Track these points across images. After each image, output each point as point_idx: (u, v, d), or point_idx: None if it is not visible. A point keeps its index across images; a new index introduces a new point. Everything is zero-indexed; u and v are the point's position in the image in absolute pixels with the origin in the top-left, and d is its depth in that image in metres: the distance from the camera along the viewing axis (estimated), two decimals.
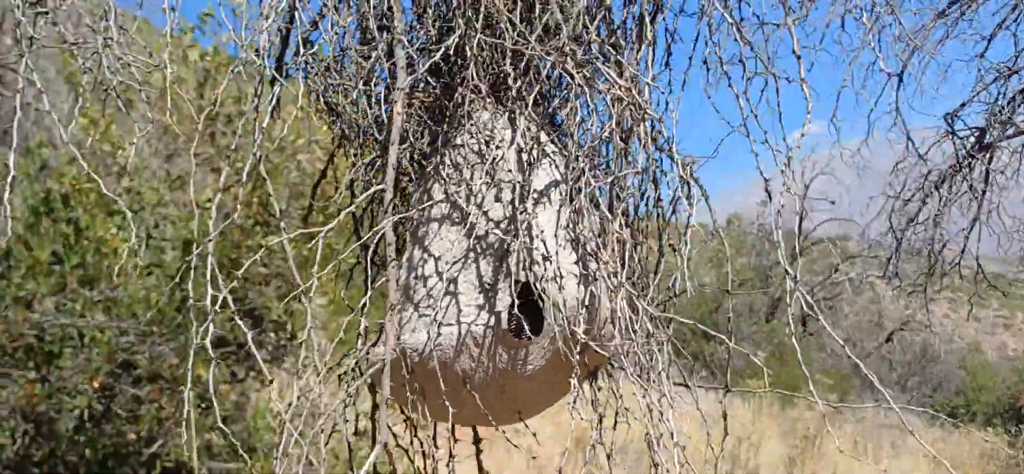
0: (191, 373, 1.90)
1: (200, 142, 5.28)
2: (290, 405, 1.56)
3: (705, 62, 1.60)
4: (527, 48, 1.48)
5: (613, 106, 1.49)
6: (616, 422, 1.55)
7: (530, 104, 1.51)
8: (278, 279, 5.24)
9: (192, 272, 1.90)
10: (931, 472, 15.89)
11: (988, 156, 8.23)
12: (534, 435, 1.86)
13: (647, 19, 1.53)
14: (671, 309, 1.63)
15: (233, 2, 2.01)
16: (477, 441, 1.84)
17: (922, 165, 8.83)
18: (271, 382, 5.28)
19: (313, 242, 1.58)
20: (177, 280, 4.21)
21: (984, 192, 8.25)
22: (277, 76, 1.65)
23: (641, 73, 1.53)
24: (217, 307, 1.76)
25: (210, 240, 1.63)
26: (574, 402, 1.40)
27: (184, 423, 4.28)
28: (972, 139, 8.15)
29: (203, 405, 4.73)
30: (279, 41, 1.80)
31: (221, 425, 1.83)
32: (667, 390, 1.44)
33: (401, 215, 1.55)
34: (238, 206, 4.31)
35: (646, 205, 1.68)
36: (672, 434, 1.42)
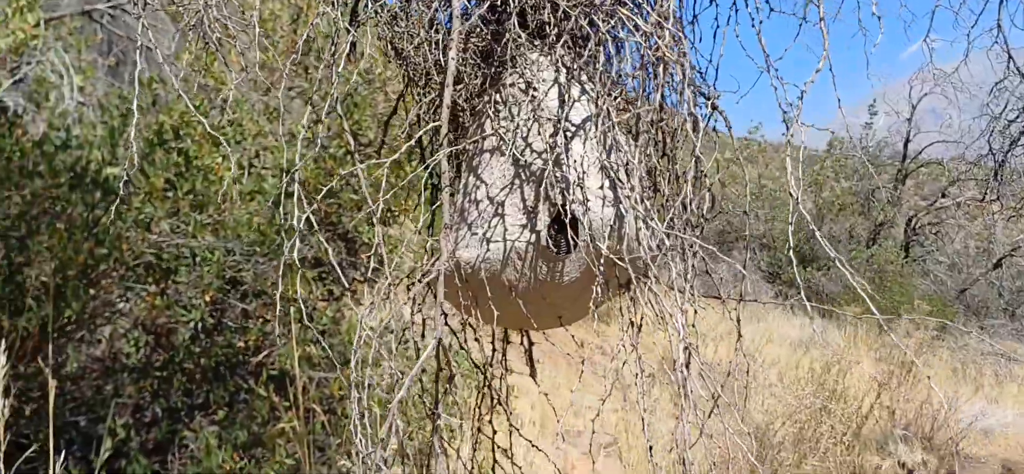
0: (283, 288, 2.18)
1: (294, 76, 5.63)
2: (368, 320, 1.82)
3: None
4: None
5: (639, 47, 1.67)
6: (640, 327, 1.77)
7: (560, 48, 1.71)
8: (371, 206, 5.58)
9: (286, 198, 2.16)
10: None
11: None
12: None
13: None
14: (703, 226, 1.82)
15: None
16: (529, 341, 2.10)
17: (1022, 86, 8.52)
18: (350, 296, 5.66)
19: (389, 172, 1.82)
20: (275, 204, 4.59)
21: None
22: (349, 28, 1.89)
23: (663, 20, 1.70)
24: (312, 229, 2.03)
25: (296, 168, 1.88)
26: (598, 306, 1.62)
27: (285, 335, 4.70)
28: None
29: (304, 320, 5.16)
30: None
31: (319, 338, 2.13)
32: (684, 299, 1.65)
33: (454, 147, 1.78)
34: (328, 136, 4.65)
35: (674, 136, 1.85)
36: (684, 340, 1.62)
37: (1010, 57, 8.31)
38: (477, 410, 2.05)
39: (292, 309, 4.83)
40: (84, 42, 6.03)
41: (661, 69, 1.66)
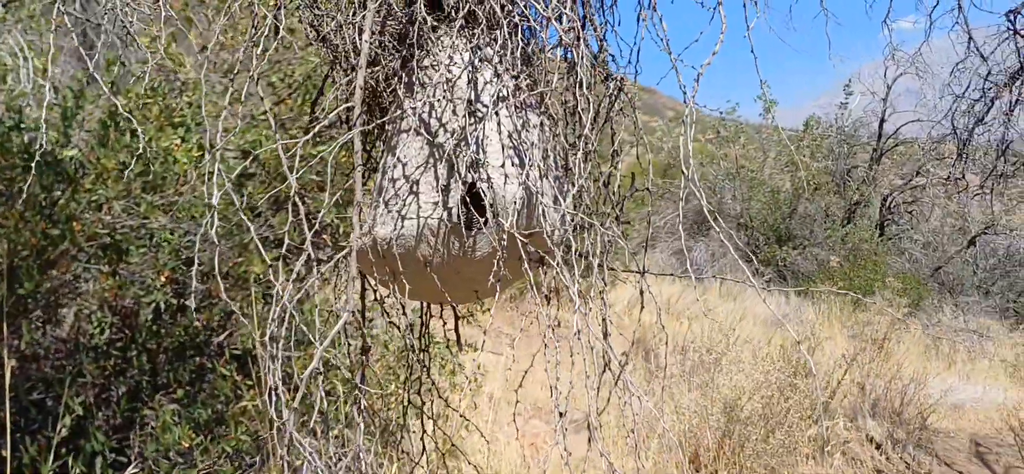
0: (246, 268, 2.21)
1: (253, 58, 5.64)
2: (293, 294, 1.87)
3: None
4: None
5: (543, 27, 1.73)
6: (552, 302, 1.84)
7: (471, 31, 1.77)
8: (335, 188, 5.62)
9: (246, 179, 2.22)
10: (1008, 376, 15.66)
11: None
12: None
13: None
14: (622, 203, 1.89)
15: None
16: (456, 315, 2.17)
17: (983, 66, 8.64)
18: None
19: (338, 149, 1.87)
20: (234, 186, 4.62)
21: None
22: (270, 15, 1.94)
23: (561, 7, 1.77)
24: (272, 211, 2.09)
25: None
26: (498, 281, 1.69)
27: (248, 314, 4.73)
28: None
29: (266, 297, 5.20)
30: None
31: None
32: (595, 274, 1.72)
33: (364, 127, 1.84)
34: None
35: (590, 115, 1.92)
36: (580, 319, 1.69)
37: (970, 37, 8.42)
38: (406, 382, 2.12)
39: (252, 289, 4.87)
40: (46, 25, 6.01)
41: (562, 51, 1.72)
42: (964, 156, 9.88)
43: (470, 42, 1.82)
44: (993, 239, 25.59)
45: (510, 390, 8.78)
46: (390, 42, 1.91)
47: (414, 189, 1.79)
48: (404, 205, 1.79)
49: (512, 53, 1.77)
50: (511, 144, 1.79)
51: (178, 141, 4.56)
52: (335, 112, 1.88)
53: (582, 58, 1.70)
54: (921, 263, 24.52)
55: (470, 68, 1.82)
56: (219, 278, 2.30)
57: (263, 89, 5.73)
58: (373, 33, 1.80)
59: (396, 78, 1.93)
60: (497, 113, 1.81)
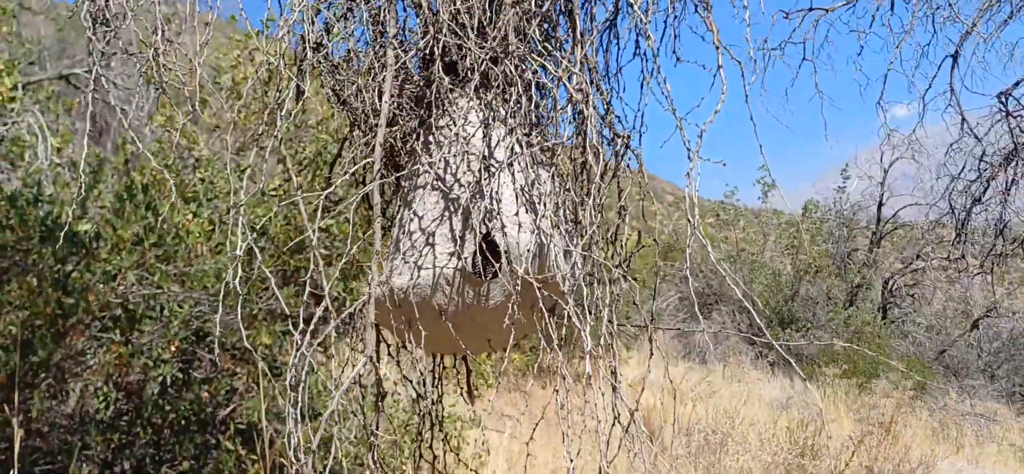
0: (251, 340, 2.27)
1: (265, 135, 5.78)
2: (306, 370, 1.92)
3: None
4: (480, 48, 1.85)
5: (554, 86, 1.83)
6: (572, 352, 1.89)
7: (484, 92, 1.87)
8: (339, 260, 5.71)
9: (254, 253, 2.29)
10: (1019, 460, 15.43)
11: None
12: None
13: (578, 21, 1.87)
14: (629, 259, 1.96)
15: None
16: (467, 369, 2.22)
17: (978, 146, 8.78)
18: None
19: (356, 224, 1.95)
20: (244, 255, 4.70)
21: None
22: (294, 77, 2.04)
23: (571, 66, 1.87)
24: (280, 283, 2.17)
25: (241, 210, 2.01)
26: (512, 322, 1.75)
27: (255, 387, 4.77)
28: None
29: (273, 371, 5.23)
30: (301, 46, 2.19)
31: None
32: (605, 324, 1.78)
33: (385, 180, 1.93)
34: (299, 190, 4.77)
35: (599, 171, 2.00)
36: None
37: (963, 119, 8.60)
38: (418, 435, 2.16)
39: (259, 363, 4.91)
40: (62, 107, 6.19)
41: (572, 110, 1.82)
42: (963, 236, 9.95)
43: (483, 101, 1.92)
44: (996, 322, 25.48)
45: (514, 469, 8.69)
46: (407, 103, 2.02)
47: (430, 241, 1.87)
48: (421, 256, 1.86)
49: (524, 111, 1.86)
50: (524, 196, 1.87)
51: (190, 215, 4.67)
52: (354, 169, 1.96)
53: (590, 116, 1.80)
54: (925, 346, 24.39)
55: (484, 126, 1.92)
56: (226, 350, 2.35)
57: (274, 164, 5.87)
58: (392, 95, 1.90)
59: (413, 137, 2.02)
60: (510, 167, 1.89)
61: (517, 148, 1.92)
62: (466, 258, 1.83)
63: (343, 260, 1.96)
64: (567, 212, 1.87)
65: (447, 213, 1.88)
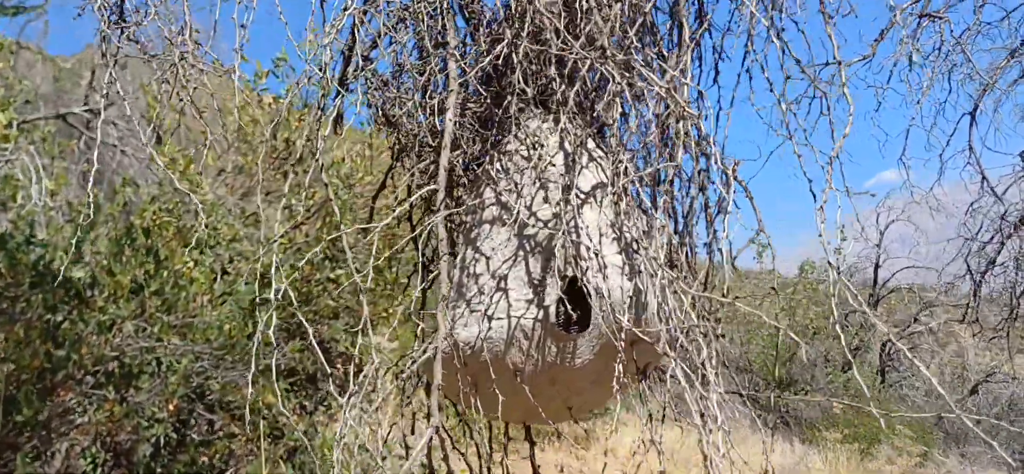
0: (252, 400, 1.97)
1: (273, 180, 5.49)
2: (342, 436, 1.61)
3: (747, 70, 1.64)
4: (570, 53, 1.55)
5: (655, 106, 1.54)
6: (664, 417, 1.57)
7: (572, 106, 1.58)
8: (346, 313, 5.38)
9: (261, 305, 1.98)
10: None
11: None
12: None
13: (686, 26, 1.58)
14: (721, 311, 1.65)
15: (303, 48, 2.12)
16: (531, 441, 1.88)
17: (998, 206, 8.57)
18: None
19: (377, 270, 1.65)
20: (248, 310, 4.37)
21: None
22: (340, 88, 1.75)
23: (680, 78, 1.58)
24: (285, 337, 1.85)
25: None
26: (618, 391, 1.43)
27: (255, 449, 4.41)
28: None
29: (273, 434, 4.86)
30: (341, 60, 1.90)
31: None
32: (713, 389, 1.46)
33: (452, 211, 1.62)
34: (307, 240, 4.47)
35: (691, 207, 1.71)
36: (720, 440, 1.44)
37: (983, 177, 8.39)
38: None
39: (261, 422, 4.55)
40: (57, 149, 5.89)
41: (676, 127, 1.53)
42: (978, 298, 9.70)
43: (566, 121, 1.63)
44: (995, 387, 25.29)
45: None
46: (470, 124, 1.72)
47: (502, 286, 1.56)
48: (491, 304, 1.55)
49: (618, 129, 1.57)
50: (614, 233, 1.57)
51: (192, 263, 4.35)
52: (406, 202, 1.66)
53: (690, 139, 1.51)
54: (924, 410, 24.04)
55: (564, 151, 1.62)
56: (226, 409, 2.02)
57: (280, 212, 5.57)
58: (455, 113, 1.61)
59: (477, 164, 1.73)
60: (596, 199, 1.59)
61: (605, 174, 1.62)
62: (549, 306, 1.51)
63: (402, 307, 1.64)
64: (662, 251, 1.56)
65: (521, 253, 1.57)
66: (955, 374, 25.81)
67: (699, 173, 1.64)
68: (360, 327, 1.54)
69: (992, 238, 9.01)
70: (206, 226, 4.73)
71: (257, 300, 4.74)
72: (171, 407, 3.83)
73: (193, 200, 4.92)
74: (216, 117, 5.41)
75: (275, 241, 2.05)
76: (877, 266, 26.60)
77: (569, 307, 1.51)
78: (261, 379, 4.49)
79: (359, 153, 5.28)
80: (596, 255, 1.50)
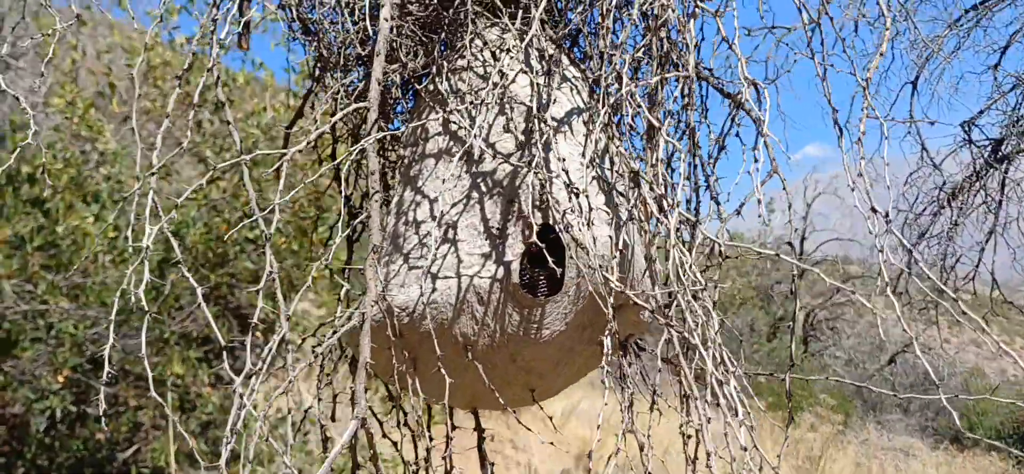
0: (159, 370, 1.62)
1: (185, 129, 5.00)
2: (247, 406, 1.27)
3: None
4: None
5: (649, 16, 1.20)
6: (653, 406, 1.25)
7: (542, 10, 1.22)
8: (269, 275, 4.95)
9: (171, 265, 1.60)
10: None
11: (1005, 167, 8.01)
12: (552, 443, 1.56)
13: None
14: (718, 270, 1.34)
15: None
16: (480, 429, 1.54)
17: (937, 177, 8.58)
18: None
19: (290, 240, 1.28)
20: (157, 270, 3.92)
21: (1000, 203, 8.01)
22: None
23: None
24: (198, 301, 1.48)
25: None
26: (606, 372, 1.10)
27: (163, 426, 3.99)
28: (988, 150, 7.95)
29: (184, 407, 4.45)
30: None
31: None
32: (731, 367, 1.15)
33: (385, 133, 1.26)
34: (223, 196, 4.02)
35: (693, 140, 1.37)
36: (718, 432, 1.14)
37: (923, 147, 8.36)
38: None
39: (169, 395, 4.13)
40: None
41: (668, 42, 1.20)
42: (909, 269, 9.75)
43: (534, 31, 1.27)
44: (911, 357, 26.20)
45: None
46: (411, 30, 1.35)
47: (450, 236, 1.21)
48: (436, 260, 1.20)
49: (599, 45, 1.23)
50: (594, 172, 1.23)
51: (91, 218, 3.87)
52: (323, 128, 1.29)
53: (694, 57, 1.18)
54: (844, 380, 24.72)
55: (533, 69, 1.27)
56: (129, 379, 1.64)
57: (194, 165, 5.09)
58: (392, 15, 1.25)
59: (418, 82, 1.37)
60: (571, 129, 1.25)
61: (578, 99, 1.28)
62: (511, 262, 1.17)
63: (326, 260, 1.27)
64: (655, 195, 1.23)
65: (476, 194, 1.22)
66: (873, 343, 26.63)
67: (700, 103, 1.32)
68: (262, 287, 1.17)
69: (925, 209, 9.04)
70: (108, 178, 4.25)
71: (168, 261, 4.29)
72: (61, 378, 3.38)
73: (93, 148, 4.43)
74: (123, 57, 4.89)
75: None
76: (803, 239, 27.12)
77: (536, 264, 1.18)
78: (169, 346, 4.07)
79: (282, 102, 4.83)
80: (576, 195, 1.16)
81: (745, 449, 1.05)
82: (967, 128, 7.84)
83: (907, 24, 7.03)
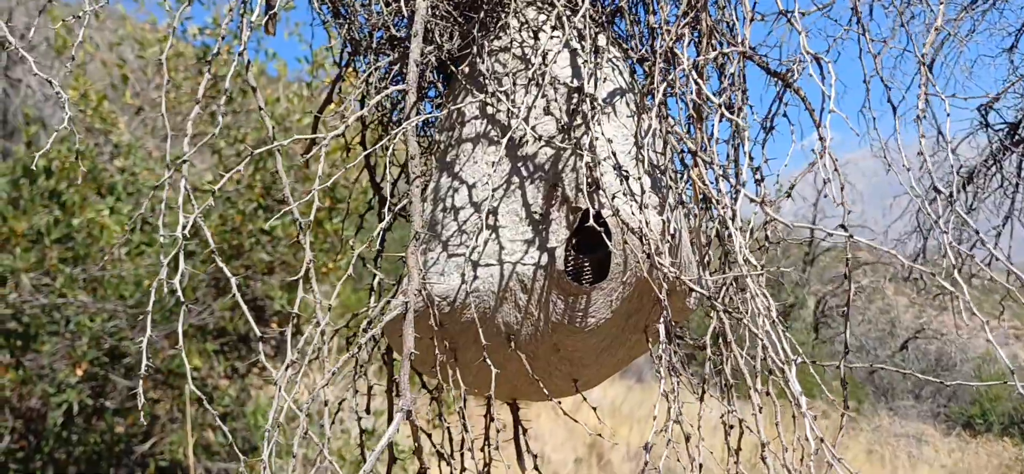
0: (176, 363, 1.58)
1: (198, 121, 4.98)
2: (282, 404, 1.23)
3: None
4: None
5: None
6: (703, 396, 1.22)
7: None
8: (283, 268, 4.93)
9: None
10: None
11: (1022, 150, 7.92)
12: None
13: None
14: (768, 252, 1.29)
15: None
16: (517, 422, 1.50)
17: (952, 161, 8.50)
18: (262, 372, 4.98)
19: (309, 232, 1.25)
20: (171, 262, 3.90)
21: (1017, 187, 7.93)
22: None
23: None
24: (214, 295, 1.44)
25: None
26: (658, 359, 1.06)
27: (181, 419, 3.97)
28: (1004, 133, 7.86)
29: (201, 400, 4.44)
30: None
31: (219, 423, 1.51)
32: (786, 352, 1.11)
33: (425, 116, 1.22)
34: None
35: (737, 124, 1.33)
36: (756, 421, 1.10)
37: (939, 131, 8.29)
38: None
39: (186, 388, 4.11)
40: None
41: (710, 18, 1.15)
42: (924, 255, 9.69)
43: (571, 13, 1.23)
44: (923, 344, 26.14)
45: None
46: (447, 11, 1.31)
47: (491, 222, 1.17)
48: (477, 247, 1.16)
49: (650, 23, 1.18)
50: (640, 155, 1.19)
51: (107, 211, 3.84)
52: (357, 115, 1.25)
53: (746, 36, 1.13)
54: (855, 367, 24.69)
55: (571, 49, 1.23)
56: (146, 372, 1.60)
57: (208, 157, 5.06)
58: None
59: (455, 65, 1.33)
60: (615, 110, 1.21)
61: (620, 79, 1.23)
62: (555, 248, 1.13)
63: (352, 259, 1.23)
64: (713, 175, 1.19)
65: (517, 179, 1.18)
66: (884, 331, 26.53)
67: (740, 85, 1.27)
68: (301, 277, 1.13)
69: (939, 195, 8.95)
70: (122, 170, 4.22)
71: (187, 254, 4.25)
72: (79, 371, 3.36)
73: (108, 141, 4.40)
74: (134, 49, 4.86)
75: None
76: (813, 225, 27.09)
77: (581, 250, 1.14)
78: (187, 339, 4.04)
79: (296, 92, 4.80)
80: (624, 180, 1.12)
81: (822, 440, 1.01)
82: (984, 112, 7.77)
83: (922, 7, 6.97)
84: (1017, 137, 7.76)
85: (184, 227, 1.22)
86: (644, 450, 0.97)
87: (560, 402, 1.33)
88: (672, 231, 1.13)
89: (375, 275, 1.38)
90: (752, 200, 1.18)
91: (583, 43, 1.24)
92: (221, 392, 4.60)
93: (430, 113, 1.33)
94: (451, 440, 1.43)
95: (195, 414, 4.43)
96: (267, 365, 1.23)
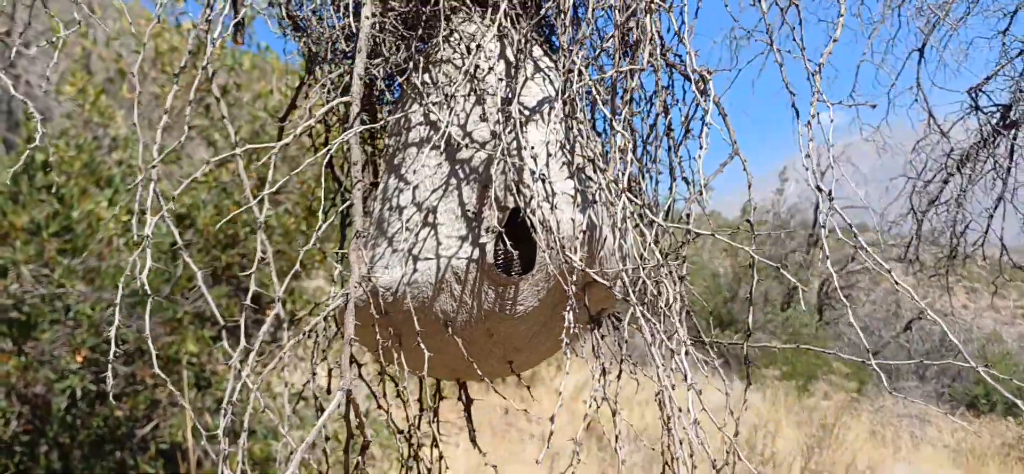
0: (175, 349, 1.72)
1: (193, 113, 5.10)
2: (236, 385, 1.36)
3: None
4: None
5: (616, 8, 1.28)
6: (620, 373, 1.34)
7: (505, 9, 1.30)
8: (279, 257, 5.06)
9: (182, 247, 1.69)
10: (951, 461, 15.69)
11: (1013, 133, 7.97)
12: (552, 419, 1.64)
13: None
14: (685, 250, 1.41)
15: None
16: (466, 398, 1.63)
17: (944, 144, 8.56)
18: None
19: (300, 220, 1.37)
20: (169, 253, 4.03)
21: (1009, 170, 7.99)
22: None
23: None
24: (210, 283, 1.57)
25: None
26: (567, 345, 1.19)
27: (179, 402, 4.11)
28: (996, 115, 7.91)
29: (199, 384, 4.57)
30: None
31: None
32: (682, 336, 1.23)
33: (368, 127, 1.35)
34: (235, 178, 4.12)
35: (654, 126, 1.45)
36: (685, 399, 1.22)
37: (930, 114, 8.34)
38: None
39: (185, 373, 4.25)
40: None
41: (643, 22, 1.27)
42: (919, 236, 9.73)
43: (508, 24, 1.35)
44: (927, 324, 26.08)
45: None
46: (393, 25, 1.43)
47: (430, 219, 1.29)
48: (417, 242, 1.29)
49: (570, 30, 1.30)
50: (564, 157, 1.31)
51: (105, 203, 3.98)
52: (311, 120, 1.37)
53: (652, 35, 1.25)
54: (859, 348, 24.70)
55: (506, 60, 1.35)
56: (145, 358, 1.74)
57: (203, 149, 5.19)
58: (374, 13, 1.33)
59: (400, 75, 1.45)
60: (543, 116, 1.33)
61: (549, 87, 1.35)
62: (485, 243, 1.26)
63: (310, 245, 1.36)
64: (622, 176, 1.31)
65: (454, 180, 1.31)
66: (889, 311, 26.52)
67: (662, 89, 1.39)
68: (264, 265, 1.26)
69: (934, 177, 9.02)
70: (120, 163, 4.35)
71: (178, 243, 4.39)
72: (79, 358, 3.50)
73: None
74: (129, 43, 4.98)
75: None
76: (817, 207, 27.04)
77: (509, 245, 1.27)
78: (183, 326, 4.18)
79: (289, 85, 4.91)
80: (543, 181, 1.25)
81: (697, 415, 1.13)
82: (974, 95, 7.82)
83: None
84: (1009, 120, 7.82)
85: (150, 225, 1.34)
86: (550, 421, 1.10)
87: (499, 382, 1.45)
88: (585, 227, 1.25)
89: (336, 267, 1.51)
90: (645, 202, 1.30)
91: (520, 55, 1.36)
92: (220, 377, 4.74)
93: (378, 122, 1.45)
94: (408, 417, 1.56)
95: (193, 398, 4.56)
96: (228, 350, 1.36)
